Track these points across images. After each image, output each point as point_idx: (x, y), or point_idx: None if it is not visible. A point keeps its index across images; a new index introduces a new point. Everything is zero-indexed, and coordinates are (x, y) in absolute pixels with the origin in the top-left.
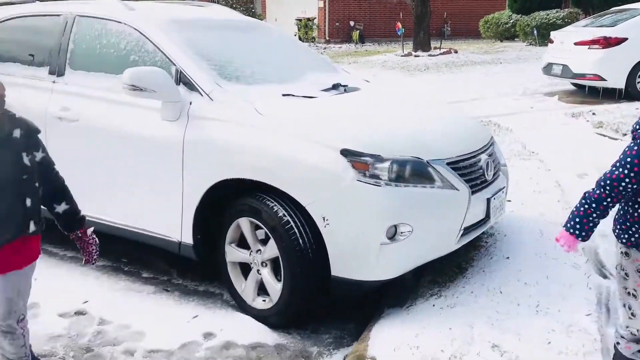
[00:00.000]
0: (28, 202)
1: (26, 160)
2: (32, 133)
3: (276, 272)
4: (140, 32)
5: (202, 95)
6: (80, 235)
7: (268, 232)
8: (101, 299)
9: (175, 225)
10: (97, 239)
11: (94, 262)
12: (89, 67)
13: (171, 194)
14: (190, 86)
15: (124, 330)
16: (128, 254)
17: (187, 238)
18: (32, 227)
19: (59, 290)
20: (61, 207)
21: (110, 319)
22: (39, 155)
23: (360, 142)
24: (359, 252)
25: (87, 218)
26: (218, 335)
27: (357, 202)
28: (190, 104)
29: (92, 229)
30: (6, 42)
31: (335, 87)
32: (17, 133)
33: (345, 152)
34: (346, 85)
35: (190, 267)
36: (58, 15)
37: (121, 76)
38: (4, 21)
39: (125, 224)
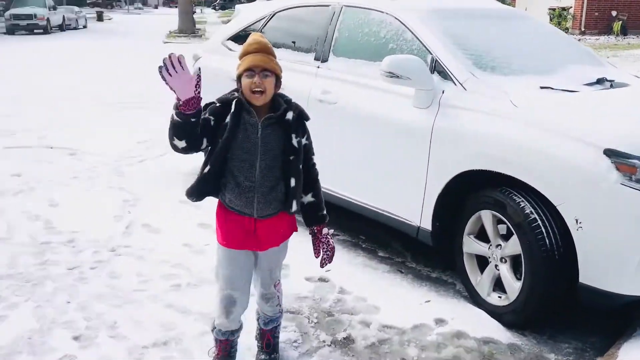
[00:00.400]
0: (292, 182)
1: (294, 142)
2: (303, 118)
3: (515, 269)
4: (401, 22)
5: (455, 84)
6: (315, 232)
7: (512, 227)
8: (341, 270)
9: (416, 210)
10: (332, 243)
11: (324, 264)
12: (350, 54)
13: (415, 180)
14: (444, 75)
15: (360, 302)
16: (366, 232)
17: (426, 224)
18: (294, 207)
19: (306, 256)
20: (307, 199)
21: (349, 289)
22: (303, 141)
23: (627, 143)
24: (614, 262)
25: (333, 193)
26: (449, 322)
27: (619, 208)
28: (443, 92)
29: (330, 231)
30: (279, 30)
31: (600, 81)
32: (290, 115)
33: (609, 153)
34: (613, 80)
35: (423, 252)
36: (327, 6)
37: (378, 63)
38: (279, 12)
39: (368, 203)
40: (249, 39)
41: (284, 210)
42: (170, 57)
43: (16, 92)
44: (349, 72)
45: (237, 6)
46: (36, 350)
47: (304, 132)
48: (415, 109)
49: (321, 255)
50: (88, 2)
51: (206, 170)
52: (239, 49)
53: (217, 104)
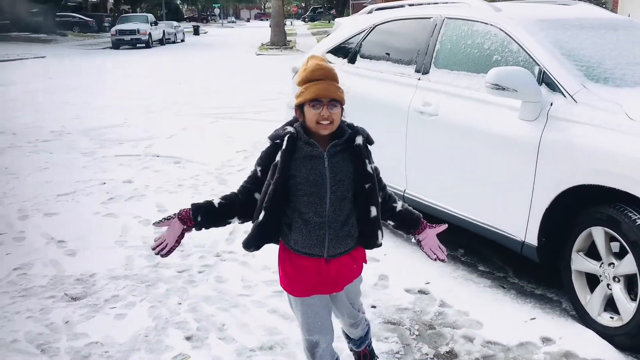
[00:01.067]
0: (373, 211)
1: (369, 168)
2: (369, 142)
3: (630, 289)
4: (506, 33)
5: (565, 96)
6: (421, 230)
7: (626, 246)
8: (441, 283)
9: (520, 224)
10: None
11: (440, 259)
12: (452, 66)
13: (521, 193)
14: (553, 87)
15: (462, 316)
16: (465, 245)
17: (532, 239)
18: (380, 238)
19: (405, 268)
20: (398, 207)
21: (450, 303)
22: (374, 166)
23: None
24: None
25: (434, 206)
26: (557, 342)
27: None
28: (551, 104)
29: (442, 227)
30: (379, 43)
31: None
32: (360, 140)
33: None
34: None
35: (525, 268)
36: (428, 18)
37: (482, 75)
38: (379, 24)
39: (471, 217)
40: (311, 64)
41: (369, 245)
42: (154, 247)
43: (122, 104)
44: (451, 84)
45: (336, 20)
46: (153, 347)
47: (371, 156)
48: (521, 121)
49: (438, 253)
50: (185, 17)
51: (261, 217)
52: (338, 61)
53: (269, 143)
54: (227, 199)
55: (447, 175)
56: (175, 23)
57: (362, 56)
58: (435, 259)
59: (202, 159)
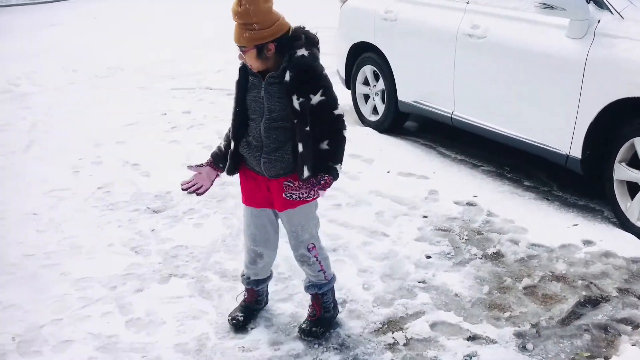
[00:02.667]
0: (300, 147)
1: (296, 104)
2: (309, 75)
3: None
4: None
5: (612, 13)
6: (320, 182)
7: None
8: (488, 196)
9: (565, 139)
10: (315, 195)
11: (289, 196)
12: None
13: (566, 109)
14: (600, 4)
15: (508, 223)
16: (510, 163)
17: (576, 152)
18: (305, 173)
19: (453, 184)
20: (322, 146)
21: (496, 212)
22: (316, 99)
23: None
24: None
25: (481, 125)
26: (597, 244)
27: None
28: (598, 22)
29: (323, 192)
30: None
31: None
32: (287, 76)
33: None
34: None
35: (568, 182)
36: None
37: None
38: None
39: (517, 134)
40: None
41: (299, 175)
42: (183, 185)
43: (169, 41)
44: (499, 6)
45: None
46: (230, 249)
47: (311, 89)
48: (568, 39)
49: (291, 192)
50: None
51: (232, 147)
52: None
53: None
54: (226, 139)
55: (494, 95)
56: None
57: None
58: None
59: None
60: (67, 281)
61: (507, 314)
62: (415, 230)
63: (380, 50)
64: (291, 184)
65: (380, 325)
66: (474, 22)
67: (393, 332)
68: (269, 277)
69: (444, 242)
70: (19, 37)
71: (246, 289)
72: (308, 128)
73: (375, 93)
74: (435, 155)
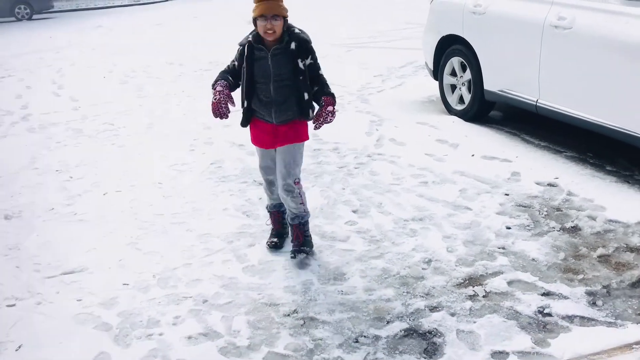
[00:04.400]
0: (305, 95)
1: (300, 65)
2: (305, 44)
3: None
4: None
5: None
6: (322, 104)
7: None
8: (569, 178)
9: None
10: (331, 119)
11: (317, 127)
12: None
13: None
14: None
15: (587, 202)
16: (593, 149)
17: None
18: (310, 114)
19: (536, 167)
20: (315, 89)
21: (576, 192)
22: (308, 62)
23: None
24: None
25: (566, 113)
26: None
27: None
28: None
29: (332, 108)
30: None
31: None
32: (293, 45)
33: None
34: None
35: None
36: None
37: None
38: None
39: (601, 120)
40: None
41: (302, 116)
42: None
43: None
44: None
45: None
46: (328, 216)
47: (307, 55)
48: None
49: (319, 121)
50: None
51: (245, 104)
52: None
53: (239, 47)
54: (232, 79)
55: (579, 83)
56: None
57: None
58: (314, 123)
59: (343, 83)
60: (192, 236)
61: (580, 277)
62: (496, 205)
63: (468, 42)
64: (317, 117)
65: (462, 281)
66: (560, 14)
67: (473, 286)
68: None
69: (524, 216)
70: (128, 35)
71: (272, 215)
72: (308, 82)
73: (462, 83)
74: (519, 141)
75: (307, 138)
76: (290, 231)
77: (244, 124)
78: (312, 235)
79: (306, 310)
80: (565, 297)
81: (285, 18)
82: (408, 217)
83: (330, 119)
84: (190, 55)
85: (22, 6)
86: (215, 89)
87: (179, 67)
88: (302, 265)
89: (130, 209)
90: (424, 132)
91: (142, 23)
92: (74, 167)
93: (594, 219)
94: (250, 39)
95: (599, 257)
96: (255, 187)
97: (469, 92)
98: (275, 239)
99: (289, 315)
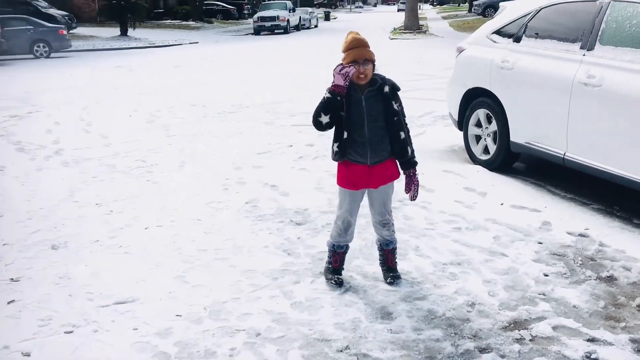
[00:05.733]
0: (402, 135)
1: (395, 106)
2: (395, 89)
3: None
4: None
5: None
6: (411, 174)
7: None
8: (599, 230)
9: None
10: (418, 181)
11: (414, 198)
12: (617, 42)
13: None
14: None
15: (620, 253)
16: (620, 203)
17: None
18: (409, 152)
19: (565, 217)
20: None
21: (608, 244)
22: (398, 104)
23: None
24: None
25: (592, 166)
26: None
27: None
28: None
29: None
30: (545, 23)
31: None
32: (387, 89)
33: None
34: None
35: None
36: (594, 1)
37: None
38: (545, 7)
39: (628, 174)
40: (349, 37)
41: (402, 157)
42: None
43: (280, 82)
44: (615, 58)
45: (501, 3)
46: (367, 257)
47: (397, 99)
48: None
49: (412, 190)
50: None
51: (345, 136)
52: (504, 41)
53: (329, 93)
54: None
55: (609, 138)
56: (309, 9)
57: (528, 36)
58: (408, 192)
59: None
60: (236, 271)
61: (623, 324)
62: (532, 252)
63: (494, 95)
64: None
65: (507, 324)
66: (589, 72)
67: (519, 330)
68: (350, 243)
69: (560, 264)
70: (148, 76)
71: (337, 255)
72: (402, 122)
73: (488, 134)
74: (545, 192)
75: (399, 175)
76: (381, 259)
77: (340, 156)
78: (355, 275)
79: (358, 346)
80: (610, 344)
81: (373, 62)
82: (446, 261)
83: (417, 188)
84: (211, 97)
85: (42, 44)
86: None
87: (202, 108)
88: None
89: (173, 244)
90: (451, 180)
91: (160, 64)
92: (112, 202)
93: (628, 269)
94: (347, 83)
95: (638, 306)
96: (292, 227)
97: (494, 142)
98: (339, 276)
99: (341, 351)
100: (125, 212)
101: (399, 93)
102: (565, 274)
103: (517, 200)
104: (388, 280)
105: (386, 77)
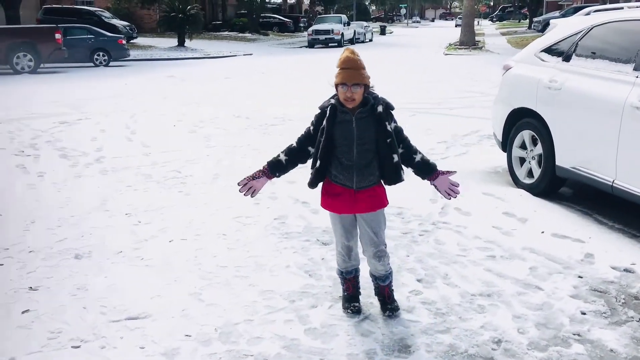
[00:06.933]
0: (395, 157)
1: (389, 127)
2: (389, 108)
3: None
4: None
5: None
6: (440, 178)
7: None
8: None
9: None
10: (454, 181)
11: (453, 196)
12: None
13: None
14: None
15: None
16: None
17: None
18: (403, 176)
19: (611, 250)
20: (417, 157)
21: None
22: (393, 125)
23: None
24: None
25: (631, 191)
26: None
27: None
28: None
29: (452, 172)
30: (596, 42)
31: None
32: (380, 108)
33: None
34: None
35: None
36: None
37: None
38: (597, 26)
39: None
40: (343, 55)
41: (386, 181)
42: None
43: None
44: None
45: (551, 20)
46: (393, 282)
47: (392, 119)
48: None
49: (451, 193)
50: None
51: (318, 164)
52: (552, 60)
53: (319, 112)
54: (290, 154)
55: None
56: (365, 23)
57: (578, 55)
58: (450, 198)
59: None
60: (254, 291)
61: None
62: (570, 287)
63: (540, 116)
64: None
65: None
66: None
67: None
68: (359, 266)
69: (600, 302)
70: (198, 86)
71: (347, 282)
72: (396, 144)
73: (532, 157)
74: (591, 221)
75: (387, 203)
76: (376, 290)
77: (312, 185)
78: (375, 302)
79: None
80: None
81: (366, 85)
82: (475, 292)
83: (456, 191)
84: (257, 109)
85: (101, 53)
86: (259, 170)
87: (245, 120)
88: (396, 317)
89: (194, 259)
90: (491, 204)
91: (211, 75)
92: (143, 212)
93: None
94: (332, 101)
95: None
96: (318, 247)
97: (539, 166)
98: (356, 304)
99: None
100: (153, 223)
101: (393, 112)
102: (604, 313)
103: (560, 228)
104: (387, 314)
105: (379, 96)
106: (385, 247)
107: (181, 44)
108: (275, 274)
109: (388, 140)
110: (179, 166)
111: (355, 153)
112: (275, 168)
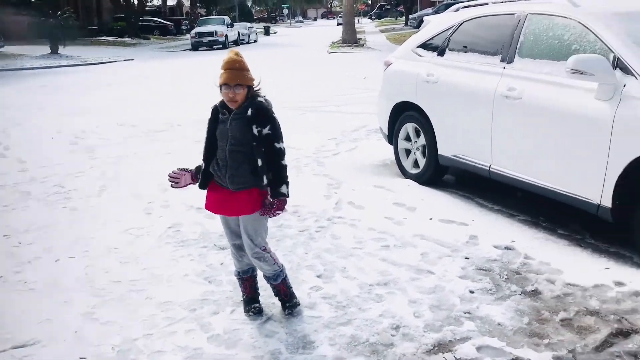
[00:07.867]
0: (259, 162)
1: (255, 131)
2: (262, 112)
3: None
4: (583, 25)
5: (636, 78)
6: (274, 205)
7: None
8: (525, 242)
9: (596, 189)
10: (273, 215)
11: (272, 215)
12: (535, 55)
13: (597, 162)
14: (626, 70)
15: (544, 265)
16: (545, 213)
17: (606, 202)
18: (264, 181)
19: (492, 230)
20: (269, 176)
21: (533, 256)
22: (265, 131)
23: None
24: None
25: (516, 177)
26: (628, 285)
27: None
28: (624, 86)
29: (280, 213)
30: (466, 37)
31: None
32: (249, 112)
33: None
34: None
35: (600, 232)
36: (512, 14)
37: (562, 63)
38: (466, 21)
39: (551, 186)
40: (227, 57)
41: (255, 184)
42: (169, 175)
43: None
44: (534, 71)
45: (425, 17)
46: (293, 280)
47: (264, 124)
48: (597, 101)
49: (267, 213)
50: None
51: (203, 167)
52: (428, 55)
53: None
54: (206, 160)
55: (530, 150)
56: (248, 24)
57: (451, 49)
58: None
59: (299, 145)
60: (152, 304)
61: (546, 341)
62: (458, 269)
63: (421, 109)
64: (266, 206)
65: (432, 347)
66: (510, 85)
67: (443, 353)
68: (255, 268)
69: (486, 280)
70: (76, 95)
71: (245, 282)
72: (263, 149)
73: (417, 148)
74: (473, 204)
75: (259, 208)
76: (274, 291)
77: (201, 186)
78: (277, 302)
79: None
80: None
81: (250, 86)
82: (373, 282)
83: (275, 215)
84: (142, 116)
85: None
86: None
87: (130, 128)
88: (298, 315)
89: (85, 276)
90: (382, 196)
91: (89, 83)
92: (23, 232)
93: (552, 282)
94: (217, 103)
95: (562, 320)
96: (215, 252)
97: (424, 156)
98: (256, 304)
99: None
100: (36, 243)
101: (270, 118)
102: (490, 290)
103: (446, 214)
104: (287, 312)
105: (258, 99)
106: (264, 250)
107: (54, 51)
108: (172, 284)
109: (254, 144)
110: (61, 180)
111: (227, 153)
112: (197, 171)
